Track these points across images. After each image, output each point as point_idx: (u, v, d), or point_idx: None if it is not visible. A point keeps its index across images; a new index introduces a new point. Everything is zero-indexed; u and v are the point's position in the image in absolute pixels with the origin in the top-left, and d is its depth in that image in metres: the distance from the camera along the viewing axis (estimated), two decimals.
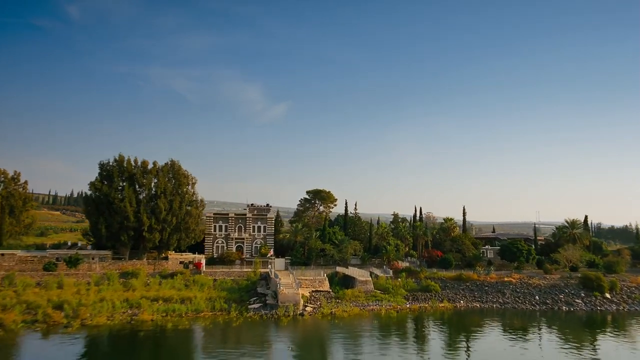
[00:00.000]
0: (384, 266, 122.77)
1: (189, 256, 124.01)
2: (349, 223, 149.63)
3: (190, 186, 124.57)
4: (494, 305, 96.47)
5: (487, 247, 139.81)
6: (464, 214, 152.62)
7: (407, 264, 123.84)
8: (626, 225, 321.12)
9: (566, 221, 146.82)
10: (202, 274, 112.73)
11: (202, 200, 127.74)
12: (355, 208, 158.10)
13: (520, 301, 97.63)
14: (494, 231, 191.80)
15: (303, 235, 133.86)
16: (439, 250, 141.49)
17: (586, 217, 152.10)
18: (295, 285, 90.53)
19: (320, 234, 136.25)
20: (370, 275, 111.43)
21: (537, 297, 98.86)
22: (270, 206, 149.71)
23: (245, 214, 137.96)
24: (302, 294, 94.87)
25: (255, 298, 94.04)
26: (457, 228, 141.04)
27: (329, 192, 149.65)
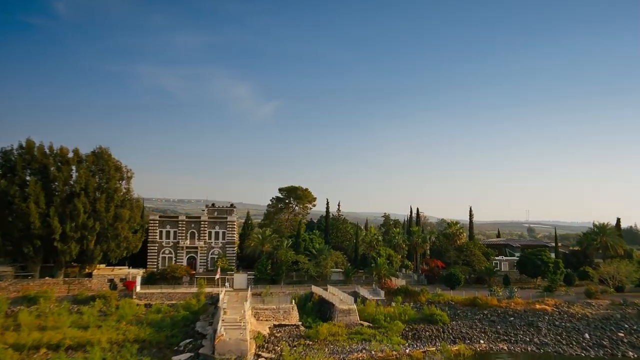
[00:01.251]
0: (374, 284, 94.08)
1: (123, 271, 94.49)
2: (331, 227, 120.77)
3: (123, 181, 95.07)
4: (529, 348, 67.59)
5: (500, 257, 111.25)
6: (471, 216, 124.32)
7: (403, 282, 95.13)
8: (631, 227, 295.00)
9: (594, 225, 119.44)
10: (134, 297, 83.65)
11: (138, 200, 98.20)
12: (338, 209, 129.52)
13: (564, 342, 68.66)
14: (498, 235, 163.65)
15: (271, 244, 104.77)
16: (439, 260, 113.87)
17: (618, 220, 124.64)
18: (245, 324, 60.92)
19: (293, 242, 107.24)
20: (356, 299, 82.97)
21: (586, 336, 70.14)
22: (235, 207, 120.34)
23: (200, 217, 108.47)
24: (258, 333, 65.73)
25: (188, 341, 64.63)
26: (464, 234, 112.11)
27: (306, 189, 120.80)
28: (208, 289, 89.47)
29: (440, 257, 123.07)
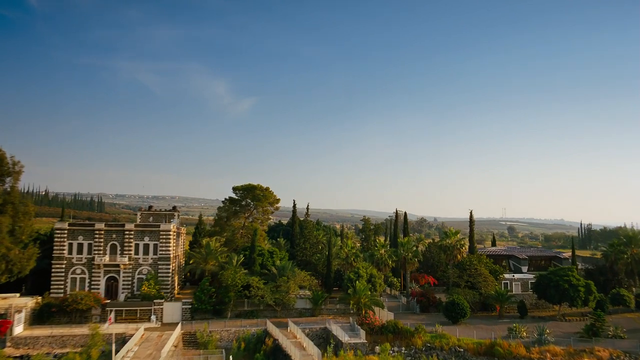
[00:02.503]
0: (351, 318, 68.77)
1: (4, 302, 67.17)
2: (298, 236, 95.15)
3: (8, 178, 67.89)
4: None
5: (511, 276, 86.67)
6: (472, 222, 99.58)
7: (391, 316, 70.01)
8: (620, 227, 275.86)
9: (622, 236, 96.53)
10: (8, 345, 57.39)
11: (27, 204, 71.02)
12: (307, 213, 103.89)
13: None
14: (494, 243, 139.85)
15: (217, 260, 78.78)
16: (430, 275, 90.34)
17: None
18: None
19: (246, 257, 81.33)
20: (327, 341, 58.03)
21: None
22: (177, 210, 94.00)
23: (124, 225, 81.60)
24: None
25: None
26: (466, 247, 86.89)
27: (267, 188, 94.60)
28: (121, 328, 63.34)
29: (431, 270, 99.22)
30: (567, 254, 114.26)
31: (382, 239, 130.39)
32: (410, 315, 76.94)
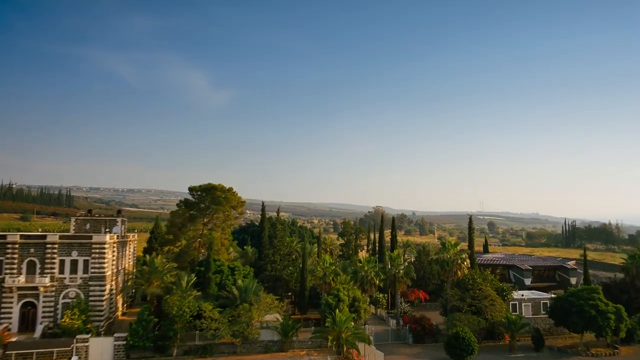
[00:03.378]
0: (329, 359, 53.53)
1: None
2: (266, 246, 79.27)
3: None
4: None
5: (520, 295, 72.13)
6: (471, 230, 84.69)
7: (381, 358, 54.80)
8: (604, 224, 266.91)
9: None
10: None
11: None
12: (277, 217, 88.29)
13: None
14: (485, 249, 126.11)
15: (162, 281, 62.68)
16: (419, 288, 76.41)
17: None
18: None
19: (199, 276, 65.34)
20: None
21: None
22: (122, 216, 77.74)
23: (46, 237, 64.72)
24: None
25: None
26: (467, 262, 71.48)
27: (230, 189, 78.18)
28: None
29: (422, 283, 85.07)
30: (572, 262, 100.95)
31: (367, 255, 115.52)
32: (401, 348, 62.16)
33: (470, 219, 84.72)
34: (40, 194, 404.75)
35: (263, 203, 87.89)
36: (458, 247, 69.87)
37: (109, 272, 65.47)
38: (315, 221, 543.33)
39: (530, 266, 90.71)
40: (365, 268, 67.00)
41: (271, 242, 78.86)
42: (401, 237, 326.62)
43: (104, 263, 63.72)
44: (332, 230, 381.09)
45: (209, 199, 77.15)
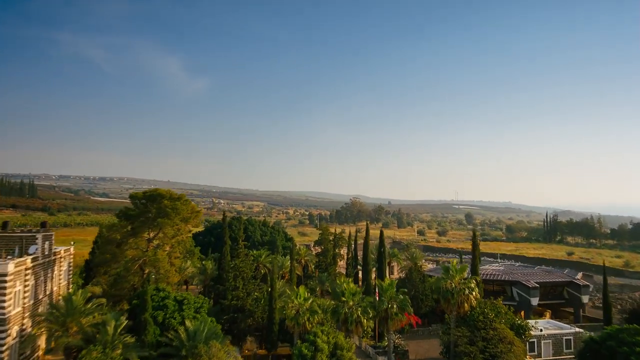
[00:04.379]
0: None
1: None
2: (226, 268, 63.53)
3: None
4: None
5: (539, 332, 58.42)
6: (475, 248, 70.23)
7: None
8: (587, 219, 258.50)
9: None
10: None
11: None
12: (241, 229, 72.37)
13: None
14: (474, 253, 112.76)
15: (80, 326, 46.87)
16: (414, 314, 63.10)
17: None
18: None
19: (133, 313, 49.68)
20: None
21: None
22: (47, 230, 61.38)
23: None
24: None
25: None
26: (476, 291, 56.90)
27: (181, 197, 62.28)
28: None
29: (413, 304, 71.20)
30: (579, 274, 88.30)
31: (354, 288, 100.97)
32: None
33: (474, 235, 70.52)
34: (0, 182, 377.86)
35: (224, 213, 72.17)
36: (464, 273, 55.56)
37: (16, 311, 49.38)
38: (291, 212, 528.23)
39: (537, 282, 77.51)
40: (350, 303, 52.24)
41: (233, 262, 63.33)
42: (376, 231, 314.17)
43: (4, 300, 47.57)
44: (307, 222, 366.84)
45: (154, 209, 61.14)
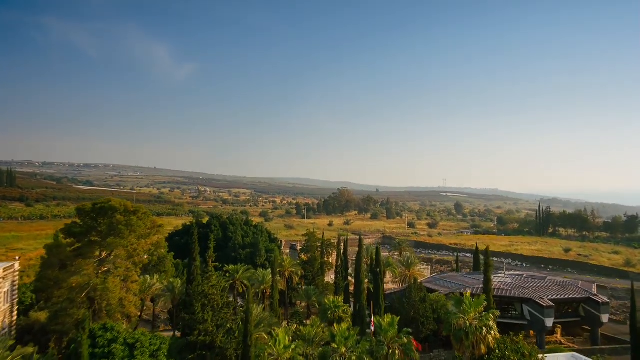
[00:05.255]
0: None
1: None
2: (195, 295, 52.72)
3: None
4: None
5: None
6: (488, 283, 59.31)
7: None
8: (580, 210, 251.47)
9: None
10: None
11: None
12: (212, 246, 61.05)
13: None
14: (476, 265, 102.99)
15: None
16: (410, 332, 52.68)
17: None
18: None
19: None
20: None
21: None
22: None
23: None
24: None
25: None
26: (494, 331, 46.59)
27: (137, 211, 51.27)
28: None
29: (412, 324, 61.59)
30: (593, 285, 79.05)
31: (332, 260, 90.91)
32: None
33: (486, 252, 60.23)
34: None
35: (194, 224, 61.29)
36: (481, 307, 45.47)
37: None
38: (278, 200, 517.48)
39: (552, 300, 68.03)
40: (342, 350, 41.94)
41: (199, 290, 52.54)
42: (365, 222, 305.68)
43: None
44: (294, 212, 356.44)
45: (105, 225, 50.14)
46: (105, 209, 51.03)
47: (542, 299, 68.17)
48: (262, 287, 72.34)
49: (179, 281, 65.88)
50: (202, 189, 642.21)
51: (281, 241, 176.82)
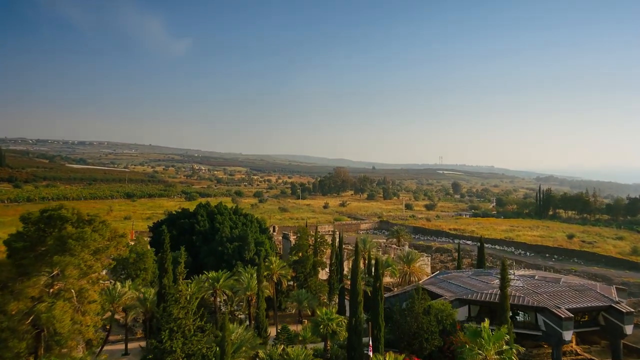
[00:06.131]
0: None
1: None
2: (163, 316, 44.72)
3: None
4: None
5: None
6: (505, 307, 51.39)
7: None
8: (582, 193, 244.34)
9: None
10: None
11: None
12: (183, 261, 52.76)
13: None
14: (479, 261, 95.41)
15: None
16: (411, 354, 45.65)
17: None
18: None
19: None
20: None
21: None
22: None
23: None
24: None
25: None
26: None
27: (93, 220, 43.14)
28: None
29: (413, 344, 54.65)
30: (610, 288, 71.61)
31: (326, 260, 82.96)
32: None
33: (503, 267, 51.93)
34: None
35: (165, 231, 52.93)
36: (502, 341, 37.72)
37: None
38: (273, 179, 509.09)
39: (570, 309, 60.57)
40: None
41: (167, 312, 44.42)
42: (361, 203, 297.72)
43: None
44: (289, 192, 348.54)
45: (52, 239, 41.85)
46: (54, 218, 42.60)
47: (560, 308, 60.62)
48: (247, 293, 64.57)
49: (152, 291, 57.88)
50: (197, 168, 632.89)
51: (274, 227, 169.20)
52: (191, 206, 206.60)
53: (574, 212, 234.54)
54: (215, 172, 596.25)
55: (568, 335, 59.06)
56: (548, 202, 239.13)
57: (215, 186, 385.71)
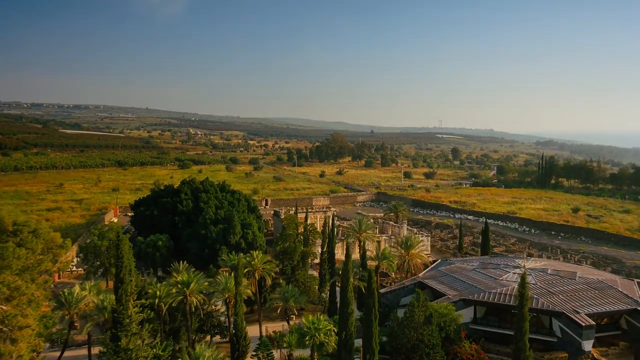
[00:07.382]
0: None
1: None
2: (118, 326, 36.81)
3: None
4: None
5: None
6: (523, 309, 43.52)
7: None
8: (586, 161, 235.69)
9: None
10: None
11: None
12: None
13: None
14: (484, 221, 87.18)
15: None
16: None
17: None
18: None
19: None
20: None
21: None
22: None
23: None
24: None
25: None
26: None
27: (27, 224, 35.33)
28: None
29: (413, 355, 47.19)
30: (635, 286, 63.90)
31: (317, 250, 75.11)
32: None
33: (523, 282, 43.55)
34: None
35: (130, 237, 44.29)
36: None
37: None
38: (270, 145, 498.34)
39: (590, 314, 52.90)
40: None
41: (122, 327, 36.28)
42: (359, 171, 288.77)
43: None
44: (285, 159, 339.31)
45: None
46: None
47: (579, 313, 52.96)
48: (225, 295, 56.71)
49: (110, 299, 49.79)
50: (193, 132, 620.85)
51: (266, 200, 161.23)
52: (183, 175, 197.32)
53: (576, 180, 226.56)
54: (212, 137, 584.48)
55: (588, 345, 51.59)
56: (551, 170, 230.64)
57: (211, 152, 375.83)
